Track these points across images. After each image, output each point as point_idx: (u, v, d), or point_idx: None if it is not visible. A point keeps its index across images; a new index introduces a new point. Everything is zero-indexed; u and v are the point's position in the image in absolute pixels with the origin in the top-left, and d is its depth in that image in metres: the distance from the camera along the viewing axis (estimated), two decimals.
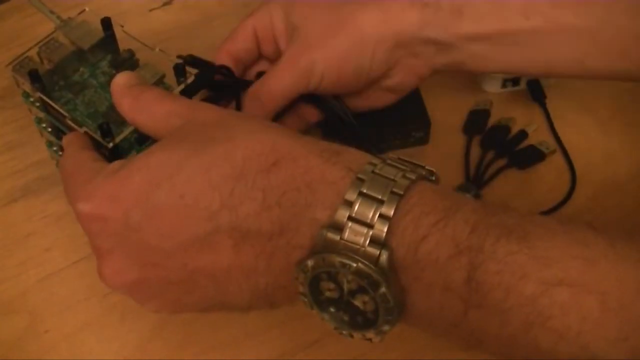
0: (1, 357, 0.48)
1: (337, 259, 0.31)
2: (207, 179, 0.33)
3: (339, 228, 0.31)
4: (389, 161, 0.33)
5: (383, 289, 0.31)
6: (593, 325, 0.28)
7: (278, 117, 0.49)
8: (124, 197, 0.35)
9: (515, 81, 0.61)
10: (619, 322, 0.28)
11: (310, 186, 0.32)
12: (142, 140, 0.43)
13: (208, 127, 0.35)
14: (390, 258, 0.31)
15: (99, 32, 0.47)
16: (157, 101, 0.38)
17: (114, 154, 0.42)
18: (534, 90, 0.61)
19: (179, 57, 0.46)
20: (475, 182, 0.55)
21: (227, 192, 0.33)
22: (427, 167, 0.35)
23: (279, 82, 0.46)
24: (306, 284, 0.33)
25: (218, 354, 0.48)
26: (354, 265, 0.31)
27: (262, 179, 0.33)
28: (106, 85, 0.46)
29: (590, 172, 0.56)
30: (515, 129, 0.58)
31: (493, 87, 0.61)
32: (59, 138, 0.47)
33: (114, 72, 0.47)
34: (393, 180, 0.32)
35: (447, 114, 0.59)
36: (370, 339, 0.34)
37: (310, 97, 0.50)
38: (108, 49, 0.48)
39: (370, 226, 0.31)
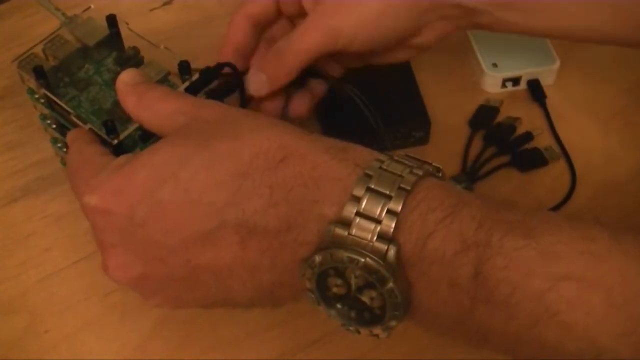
0: (1, 357, 0.48)
1: (345, 254, 0.31)
2: (211, 175, 0.33)
3: (346, 224, 0.31)
4: (395, 157, 0.33)
5: (391, 284, 0.31)
6: (599, 320, 0.28)
7: (292, 85, 0.48)
8: (129, 192, 0.35)
9: (515, 81, 0.61)
10: (623, 317, 0.28)
11: (318, 182, 0.33)
12: (147, 138, 0.43)
13: (213, 124, 0.36)
14: (398, 253, 0.31)
15: (104, 29, 0.47)
16: (161, 99, 0.38)
17: (118, 151, 0.42)
18: (534, 90, 0.61)
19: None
20: (469, 175, 0.55)
21: (233, 188, 0.33)
22: (433, 164, 0.35)
23: (306, 40, 0.45)
24: (313, 280, 0.33)
25: (218, 353, 0.48)
26: (362, 260, 0.31)
27: (269, 175, 0.33)
28: (111, 83, 0.46)
29: (590, 172, 0.56)
30: (520, 130, 0.58)
31: (493, 87, 0.61)
32: (64, 135, 0.47)
33: (119, 69, 0.47)
34: (400, 176, 0.32)
35: (447, 113, 0.59)
36: (377, 335, 0.34)
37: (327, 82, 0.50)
38: (113, 46, 0.48)
39: (378, 221, 0.31)
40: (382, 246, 0.31)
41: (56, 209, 0.55)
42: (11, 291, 0.51)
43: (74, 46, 0.47)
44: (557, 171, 0.57)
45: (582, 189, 0.55)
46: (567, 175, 0.56)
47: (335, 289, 0.33)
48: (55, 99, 0.44)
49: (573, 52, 0.63)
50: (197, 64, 0.50)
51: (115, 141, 0.41)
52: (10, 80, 0.63)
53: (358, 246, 0.31)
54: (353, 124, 0.54)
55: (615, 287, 0.28)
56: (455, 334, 0.33)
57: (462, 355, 0.39)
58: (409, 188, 0.31)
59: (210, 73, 0.46)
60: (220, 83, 0.47)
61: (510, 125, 0.58)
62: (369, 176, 0.32)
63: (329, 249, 0.32)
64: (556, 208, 0.54)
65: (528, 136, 0.58)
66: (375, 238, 0.31)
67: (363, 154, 0.34)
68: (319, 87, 0.51)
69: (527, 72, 0.61)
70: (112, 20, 0.47)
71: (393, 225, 0.31)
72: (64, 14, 0.47)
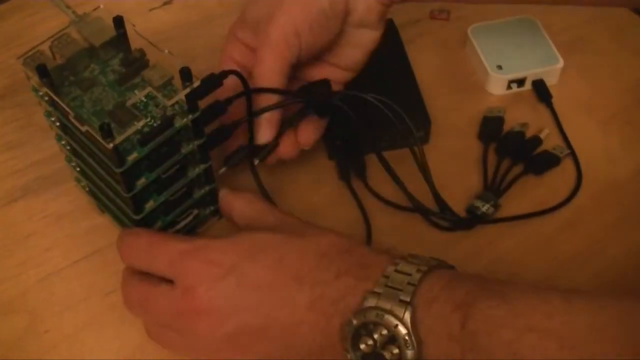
0: (1, 357, 0.48)
1: (374, 312, 0.40)
2: (301, 253, 0.43)
3: (376, 293, 0.41)
4: (409, 259, 0.42)
5: (406, 336, 0.39)
6: None
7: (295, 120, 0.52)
8: (236, 248, 0.43)
9: (520, 82, 0.61)
10: (574, 357, 0.35)
11: (366, 266, 0.42)
12: (145, 142, 0.43)
13: (296, 226, 0.46)
14: (412, 314, 0.39)
15: (111, 30, 0.47)
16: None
17: (116, 155, 0.42)
18: (540, 90, 0.61)
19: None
20: (494, 191, 0.55)
21: (313, 264, 0.42)
22: (434, 258, 0.44)
23: (265, 65, 0.50)
24: (349, 339, 0.40)
25: None
26: (386, 316, 0.39)
27: (339, 259, 0.43)
28: (115, 84, 0.46)
29: (590, 171, 0.56)
30: (527, 132, 0.58)
31: (498, 89, 0.61)
32: (67, 133, 0.47)
33: (124, 70, 0.47)
34: (409, 274, 0.41)
35: (447, 113, 0.59)
36: None
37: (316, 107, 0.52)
38: (120, 48, 0.47)
39: (400, 290, 0.40)
40: (401, 309, 0.39)
41: (56, 208, 0.55)
42: (11, 291, 0.51)
43: (80, 45, 0.47)
44: (560, 170, 0.57)
45: (582, 188, 0.55)
46: (569, 175, 0.56)
47: (363, 347, 0.40)
48: (55, 98, 0.44)
49: (574, 52, 0.63)
50: (197, 64, 0.50)
51: (111, 144, 0.41)
52: (10, 79, 0.63)
53: (384, 310, 0.40)
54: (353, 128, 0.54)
55: (566, 335, 0.36)
56: None
57: None
58: (415, 283, 0.40)
59: (212, 81, 0.46)
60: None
61: (519, 132, 0.58)
62: (396, 264, 0.42)
63: (364, 313, 0.40)
64: (557, 207, 0.54)
65: (537, 140, 0.58)
66: (395, 304, 0.40)
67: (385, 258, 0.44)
68: (307, 134, 0.54)
69: (532, 72, 0.61)
70: (118, 21, 0.47)
71: (410, 293, 0.40)
72: (74, 12, 0.47)
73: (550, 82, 0.61)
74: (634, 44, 0.65)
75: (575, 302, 0.38)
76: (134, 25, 0.47)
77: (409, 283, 0.40)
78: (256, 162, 0.52)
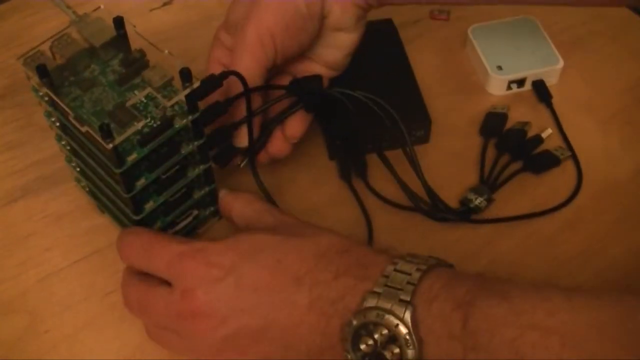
0: (1, 357, 0.48)
1: (375, 312, 0.40)
2: (299, 253, 0.43)
3: (377, 293, 0.41)
4: (408, 259, 0.42)
5: (407, 336, 0.39)
6: (556, 359, 0.36)
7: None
8: (235, 249, 0.43)
9: (520, 83, 0.61)
10: (575, 355, 0.36)
11: (366, 266, 0.42)
12: (145, 143, 0.43)
13: (296, 226, 0.46)
14: (413, 313, 0.39)
15: (111, 30, 0.47)
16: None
17: (115, 155, 0.42)
18: (540, 90, 0.61)
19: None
20: (489, 185, 0.55)
21: (312, 264, 0.42)
22: (433, 257, 0.44)
23: (241, 67, 0.50)
24: (349, 340, 0.40)
25: None
26: (387, 315, 0.39)
27: (338, 259, 0.43)
28: (115, 84, 0.46)
29: (590, 171, 0.56)
30: (530, 133, 0.58)
31: (498, 90, 0.61)
32: (67, 133, 0.47)
33: (124, 71, 0.47)
34: (409, 274, 0.41)
35: (447, 113, 0.59)
36: None
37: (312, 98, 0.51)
38: (120, 48, 0.47)
39: (400, 289, 0.40)
40: (401, 308, 0.39)
41: (56, 209, 0.55)
42: (11, 291, 0.51)
43: (81, 45, 0.47)
44: (560, 170, 0.57)
45: (583, 188, 0.55)
46: (568, 175, 0.56)
47: (364, 347, 0.40)
48: (55, 98, 0.44)
49: (574, 52, 0.63)
50: (197, 64, 0.51)
51: (111, 145, 0.41)
52: (10, 79, 0.63)
53: (384, 310, 0.40)
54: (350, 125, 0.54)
55: (568, 333, 0.36)
56: None
57: None
58: (415, 282, 0.40)
59: (212, 82, 0.46)
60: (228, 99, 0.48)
61: (521, 130, 0.58)
62: (395, 263, 0.42)
63: (363, 312, 0.40)
64: (558, 208, 0.54)
65: (538, 139, 0.58)
66: (395, 303, 0.40)
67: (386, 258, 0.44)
68: (294, 128, 0.54)
69: (532, 73, 0.61)
70: (119, 21, 0.47)
71: (410, 292, 0.40)
72: (74, 12, 0.47)
73: (550, 82, 0.61)
74: (634, 44, 0.65)
75: (577, 300, 0.38)
76: (134, 26, 0.47)
77: (408, 282, 0.40)
78: (243, 163, 0.52)
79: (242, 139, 0.51)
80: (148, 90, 0.45)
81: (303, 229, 0.46)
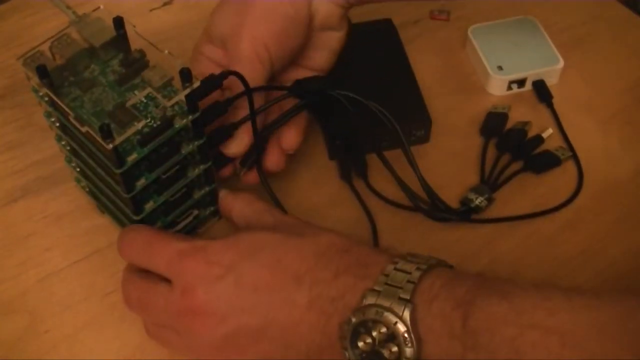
0: (1, 357, 0.48)
1: (374, 309, 0.40)
2: (299, 252, 0.43)
3: (376, 291, 0.41)
4: (409, 258, 0.42)
5: (406, 334, 0.39)
6: (556, 358, 0.36)
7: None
8: (235, 248, 0.43)
9: (520, 83, 0.61)
10: (575, 355, 0.36)
11: (366, 265, 0.42)
12: (145, 143, 0.43)
13: (296, 225, 0.47)
14: (412, 311, 0.39)
15: (111, 30, 0.47)
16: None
17: (115, 155, 0.42)
18: (540, 90, 0.61)
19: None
20: (490, 185, 0.55)
21: (312, 263, 0.42)
22: (434, 257, 0.44)
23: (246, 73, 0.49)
24: (348, 338, 0.40)
25: None
26: (386, 313, 0.39)
27: (338, 258, 0.43)
28: (115, 84, 0.46)
29: (590, 171, 0.56)
30: (531, 133, 0.58)
31: (499, 90, 0.61)
32: (66, 133, 0.47)
33: (124, 71, 0.47)
34: (409, 273, 0.41)
35: (447, 113, 0.59)
36: None
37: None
38: (120, 48, 0.47)
39: (399, 287, 0.40)
40: (400, 307, 0.39)
41: (56, 209, 0.55)
42: (11, 291, 0.51)
43: (80, 46, 0.47)
44: (560, 170, 0.57)
45: (583, 188, 0.55)
46: (569, 175, 0.56)
47: (362, 345, 0.40)
48: (55, 99, 0.44)
49: (574, 52, 0.63)
50: None
51: (111, 145, 0.41)
52: (10, 80, 0.63)
53: (383, 308, 0.40)
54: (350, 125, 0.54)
55: (568, 333, 0.36)
56: None
57: None
58: (415, 281, 0.40)
59: (212, 82, 0.45)
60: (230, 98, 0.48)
61: (521, 129, 0.58)
62: (396, 262, 0.42)
63: (362, 310, 0.40)
64: (558, 208, 0.54)
65: (538, 139, 0.58)
66: (395, 301, 0.40)
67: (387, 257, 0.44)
68: (302, 120, 0.54)
69: (532, 73, 0.61)
70: (118, 22, 0.47)
71: (410, 290, 0.40)
72: (74, 12, 0.47)
73: (551, 82, 0.61)
74: (634, 44, 0.65)
75: (577, 300, 0.38)
76: (134, 26, 0.47)
77: (408, 281, 0.40)
78: (243, 171, 0.52)
79: (234, 147, 0.51)
80: (148, 90, 0.45)
81: (303, 229, 0.46)
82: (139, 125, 0.42)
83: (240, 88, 0.47)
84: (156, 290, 0.44)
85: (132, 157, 0.43)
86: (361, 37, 0.61)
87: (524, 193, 0.55)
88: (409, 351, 0.39)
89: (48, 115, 0.47)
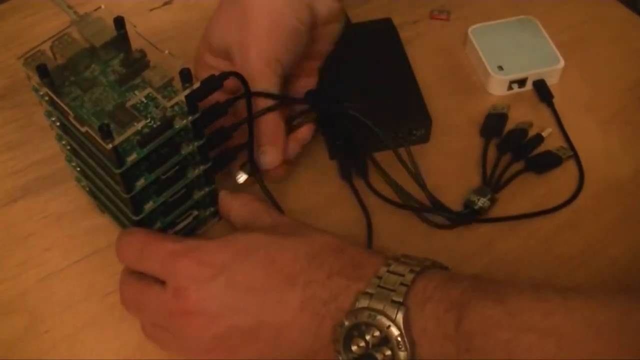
0: (1, 357, 0.48)
1: (367, 312, 0.40)
2: (293, 253, 0.43)
3: (369, 294, 0.40)
4: (403, 260, 0.42)
5: (399, 337, 0.39)
6: None
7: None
8: (229, 248, 0.43)
9: (521, 83, 0.61)
10: (572, 357, 0.35)
11: (359, 266, 0.42)
12: (145, 143, 0.43)
13: (291, 227, 0.47)
14: (405, 314, 0.39)
15: (112, 30, 0.47)
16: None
17: (115, 155, 0.42)
18: (541, 90, 0.61)
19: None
20: (492, 186, 0.55)
21: (305, 264, 0.42)
22: (428, 258, 0.43)
23: (259, 84, 0.51)
24: (341, 341, 0.40)
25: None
26: (379, 316, 0.39)
27: (332, 259, 0.43)
28: (115, 84, 0.46)
29: (590, 171, 0.56)
30: (531, 133, 0.58)
31: (499, 90, 0.61)
32: (67, 133, 0.47)
33: (124, 71, 0.47)
34: (402, 275, 0.41)
35: (447, 113, 0.59)
36: None
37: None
38: (120, 48, 0.47)
39: (392, 290, 0.40)
40: (394, 310, 0.39)
41: (56, 209, 0.55)
42: (11, 291, 0.51)
43: (81, 45, 0.47)
44: (561, 170, 0.57)
45: (583, 188, 0.55)
46: (569, 174, 0.56)
47: (355, 349, 0.40)
48: (56, 98, 0.44)
49: (574, 52, 0.63)
50: None
51: (110, 145, 0.41)
52: (10, 80, 0.63)
53: (376, 311, 0.40)
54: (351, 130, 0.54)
55: (564, 334, 0.36)
56: None
57: None
58: (408, 284, 0.40)
59: (212, 83, 0.45)
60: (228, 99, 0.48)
61: (522, 130, 0.58)
62: (389, 264, 0.42)
63: (355, 312, 0.40)
64: (559, 208, 0.54)
65: (539, 139, 0.58)
66: (388, 304, 0.40)
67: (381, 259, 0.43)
68: (304, 131, 0.55)
69: (532, 73, 0.61)
70: (119, 22, 0.47)
71: (403, 293, 0.40)
72: (75, 12, 0.47)
73: (551, 82, 0.61)
74: (634, 44, 0.65)
75: (573, 300, 0.38)
76: (134, 26, 0.47)
77: (401, 284, 0.40)
78: (244, 178, 0.53)
79: (272, 157, 0.52)
80: (148, 90, 0.45)
81: (299, 229, 0.46)
82: (139, 126, 0.42)
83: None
84: (151, 291, 0.44)
85: (132, 158, 0.43)
86: (361, 36, 0.61)
87: (524, 193, 0.55)
88: (402, 355, 0.39)
89: (48, 114, 0.47)
